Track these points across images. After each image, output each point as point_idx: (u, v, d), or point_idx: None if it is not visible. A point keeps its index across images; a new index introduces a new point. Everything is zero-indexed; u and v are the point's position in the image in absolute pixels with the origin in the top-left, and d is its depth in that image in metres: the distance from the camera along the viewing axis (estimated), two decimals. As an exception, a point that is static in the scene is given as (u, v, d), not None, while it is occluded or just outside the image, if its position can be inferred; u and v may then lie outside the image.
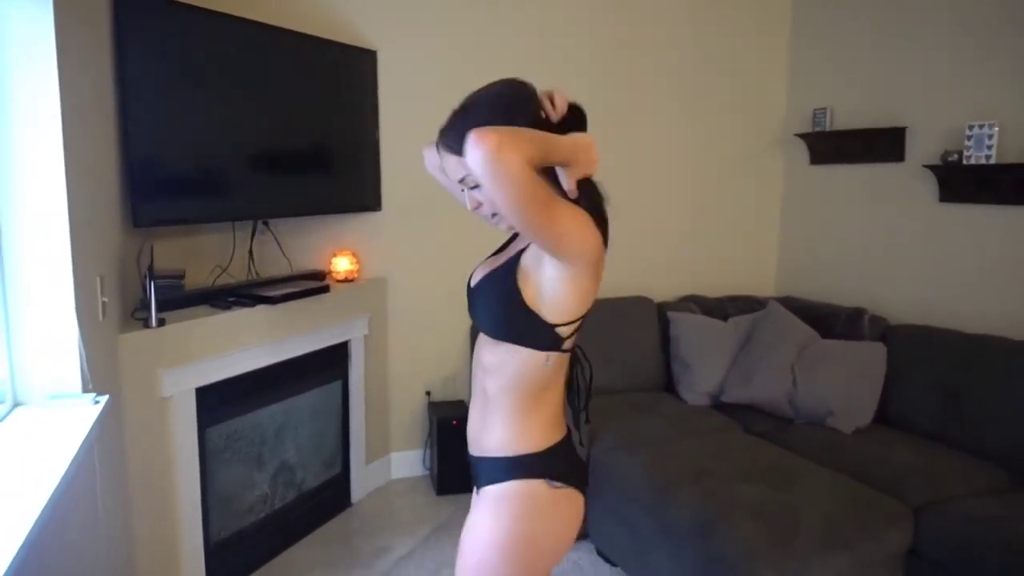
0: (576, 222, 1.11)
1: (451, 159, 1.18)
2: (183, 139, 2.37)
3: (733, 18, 3.68)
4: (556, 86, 1.20)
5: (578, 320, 1.21)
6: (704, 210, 3.78)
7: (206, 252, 2.77)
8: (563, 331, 1.19)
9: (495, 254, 1.38)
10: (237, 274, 2.81)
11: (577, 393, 1.34)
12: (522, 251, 1.22)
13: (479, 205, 1.19)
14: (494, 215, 1.19)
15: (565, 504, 1.26)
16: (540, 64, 3.28)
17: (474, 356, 1.32)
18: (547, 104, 1.18)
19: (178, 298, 2.43)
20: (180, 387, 2.24)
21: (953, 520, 2.21)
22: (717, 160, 3.71)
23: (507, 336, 1.22)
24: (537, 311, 1.17)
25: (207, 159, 2.48)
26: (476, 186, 1.17)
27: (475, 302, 1.30)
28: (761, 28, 3.75)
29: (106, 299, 1.78)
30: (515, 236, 1.34)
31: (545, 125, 1.14)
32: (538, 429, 1.26)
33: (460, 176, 1.18)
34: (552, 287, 1.15)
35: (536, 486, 1.24)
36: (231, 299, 2.53)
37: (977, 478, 2.43)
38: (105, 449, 1.81)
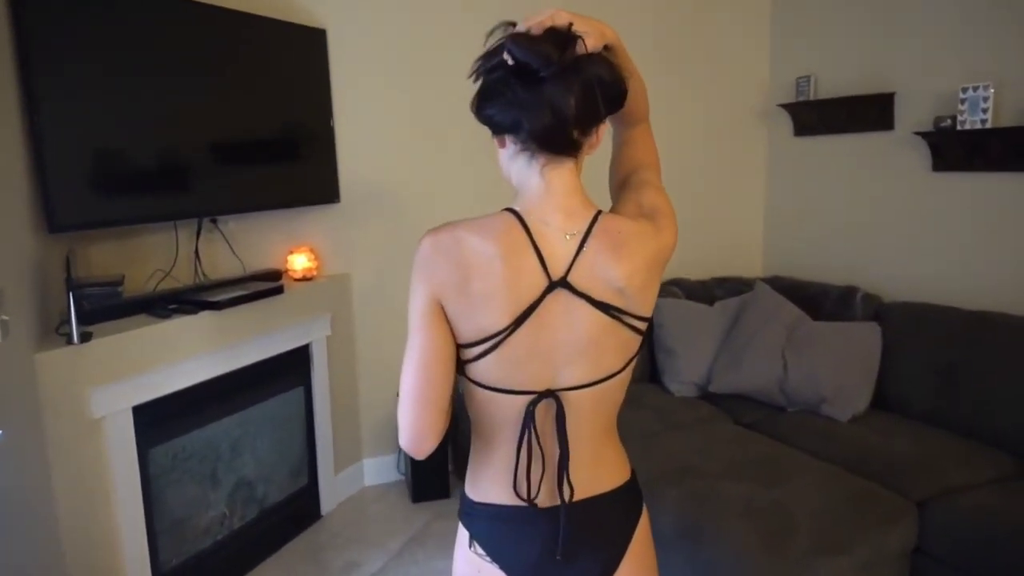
0: None
1: None
2: (109, 130, 2.14)
3: (708, -16, 3.48)
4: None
5: (480, 342, 0.95)
6: (684, 187, 3.55)
7: (147, 254, 2.55)
8: (464, 353, 0.98)
9: None
10: (183, 277, 2.60)
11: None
12: None
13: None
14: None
15: None
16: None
17: None
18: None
19: (114, 307, 2.22)
20: (113, 406, 2.03)
21: (959, 514, 2.05)
22: (697, 134, 3.51)
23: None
24: None
25: (140, 152, 2.26)
26: None
27: None
28: (738, -7, 3.54)
29: (6, 317, 1.57)
30: None
31: None
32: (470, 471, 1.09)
33: None
34: None
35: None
36: (172, 306, 2.32)
37: (981, 466, 2.27)
38: (15, 486, 1.61)
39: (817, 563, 1.89)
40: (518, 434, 0.98)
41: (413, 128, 3.09)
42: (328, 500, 3.02)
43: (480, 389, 0.99)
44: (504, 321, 0.92)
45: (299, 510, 2.89)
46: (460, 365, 0.99)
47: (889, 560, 2.01)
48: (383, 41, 3.01)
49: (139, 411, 2.13)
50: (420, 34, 3.04)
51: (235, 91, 2.56)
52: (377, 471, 3.29)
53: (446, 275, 0.92)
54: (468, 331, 0.94)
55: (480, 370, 0.97)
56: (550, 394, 0.98)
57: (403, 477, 3.27)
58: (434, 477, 3.06)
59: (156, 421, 2.20)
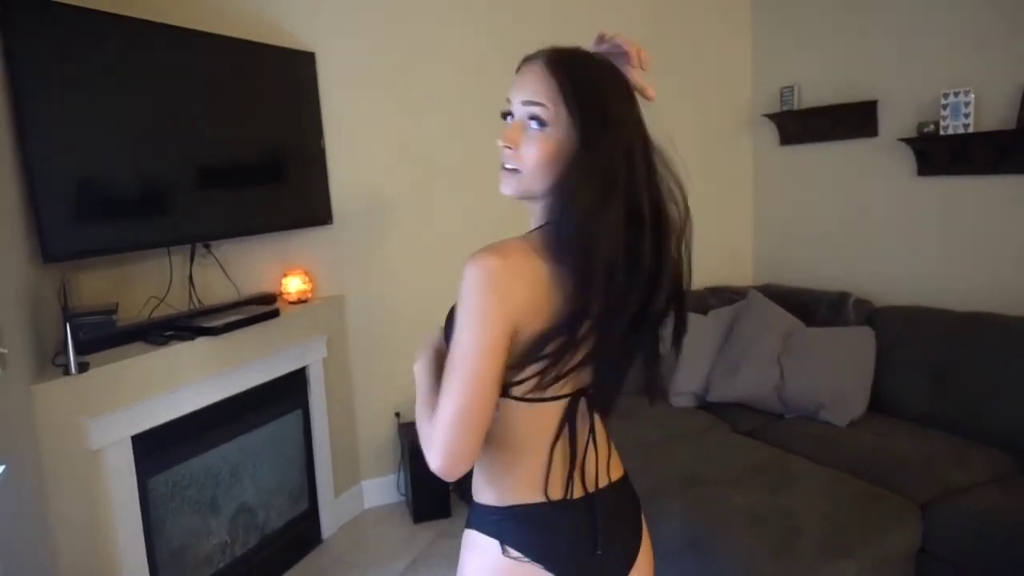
0: None
1: (530, 75, 0.97)
2: (100, 158, 2.14)
3: (690, -2, 3.53)
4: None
5: (544, 358, 0.94)
6: (674, 200, 3.62)
7: (141, 281, 2.54)
8: (517, 374, 0.96)
9: None
10: (177, 304, 2.59)
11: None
12: None
13: None
14: (511, 168, 1.00)
15: None
16: (491, 55, 3.10)
17: None
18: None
19: (109, 336, 2.20)
20: (112, 436, 2.01)
21: (962, 515, 2.06)
22: (684, 146, 3.48)
23: None
24: None
25: (130, 179, 2.25)
26: (543, 123, 0.95)
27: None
28: (722, 5, 3.59)
29: (4, 349, 1.56)
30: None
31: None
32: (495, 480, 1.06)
33: (526, 98, 0.97)
34: None
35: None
36: (168, 333, 2.30)
37: (980, 466, 2.29)
38: (12, 520, 1.59)
39: (825, 568, 1.89)
40: (553, 436, 1.00)
41: (404, 149, 3.10)
42: (329, 524, 2.99)
43: (523, 403, 0.98)
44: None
45: (300, 535, 2.86)
46: (506, 387, 0.96)
47: (895, 562, 2.01)
48: (373, 63, 3.03)
49: (138, 440, 2.10)
50: (410, 56, 3.06)
51: (225, 116, 2.56)
52: (377, 493, 3.27)
53: (522, 296, 0.91)
54: (532, 349, 0.93)
55: (531, 384, 0.96)
56: (583, 392, 1.01)
57: (404, 498, 3.24)
58: (435, 496, 3.04)
59: (155, 450, 2.18)
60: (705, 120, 3.61)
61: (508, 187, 1.00)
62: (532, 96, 0.95)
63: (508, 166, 0.98)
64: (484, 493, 1.06)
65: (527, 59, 0.99)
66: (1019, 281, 2.58)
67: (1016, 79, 2.49)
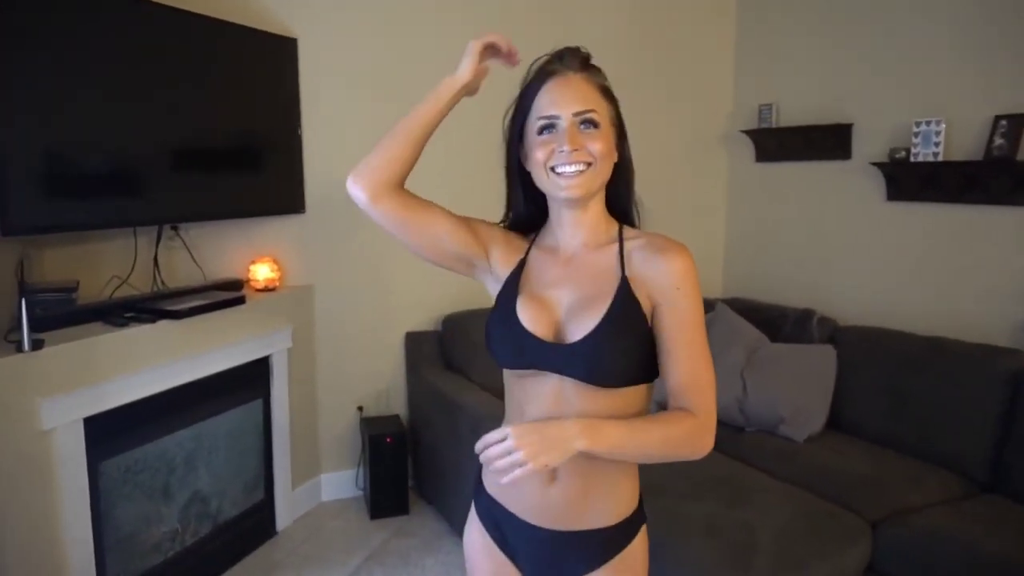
0: None
1: (583, 87, 1.08)
2: (68, 132, 2.08)
3: (678, 11, 3.55)
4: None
5: None
6: (647, 209, 3.64)
7: (104, 261, 2.47)
8: None
9: (515, 275, 1.16)
10: (141, 285, 2.53)
11: None
12: (621, 263, 1.10)
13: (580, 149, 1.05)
14: (584, 168, 1.06)
15: None
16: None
17: (567, 412, 1.07)
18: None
19: (67, 314, 2.15)
20: (64, 418, 1.96)
21: (911, 535, 2.10)
22: (662, 157, 3.56)
23: (646, 377, 1.10)
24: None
25: (99, 156, 2.19)
26: (596, 124, 1.07)
27: (586, 356, 1.05)
28: (706, 20, 3.63)
29: (-46, 322, 1.50)
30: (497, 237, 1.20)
31: None
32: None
33: (581, 108, 1.06)
34: None
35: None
36: (129, 314, 2.25)
37: (931, 486, 2.34)
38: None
39: (777, 581, 1.91)
40: None
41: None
42: (284, 516, 2.95)
43: None
44: None
45: (254, 526, 2.81)
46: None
47: (845, 577, 2.05)
48: (355, 53, 3.00)
49: (91, 423, 2.05)
50: (392, 47, 3.04)
51: (201, 98, 2.51)
52: (335, 487, 3.23)
53: None
54: None
55: None
56: None
57: (362, 493, 3.21)
58: (393, 493, 3.02)
59: (108, 433, 2.12)
60: (685, 133, 3.65)
61: (581, 187, 1.07)
62: (584, 105, 1.06)
63: (579, 167, 1.06)
64: (634, 497, 1.20)
65: (552, 75, 1.08)
66: (978, 309, 2.65)
67: (986, 112, 2.55)
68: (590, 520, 1.13)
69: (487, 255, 1.16)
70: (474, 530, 1.26)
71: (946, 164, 2.66)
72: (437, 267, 1.19)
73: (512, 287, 1.14)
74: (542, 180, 1.09)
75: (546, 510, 1.13)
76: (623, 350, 1.05)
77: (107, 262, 2.48)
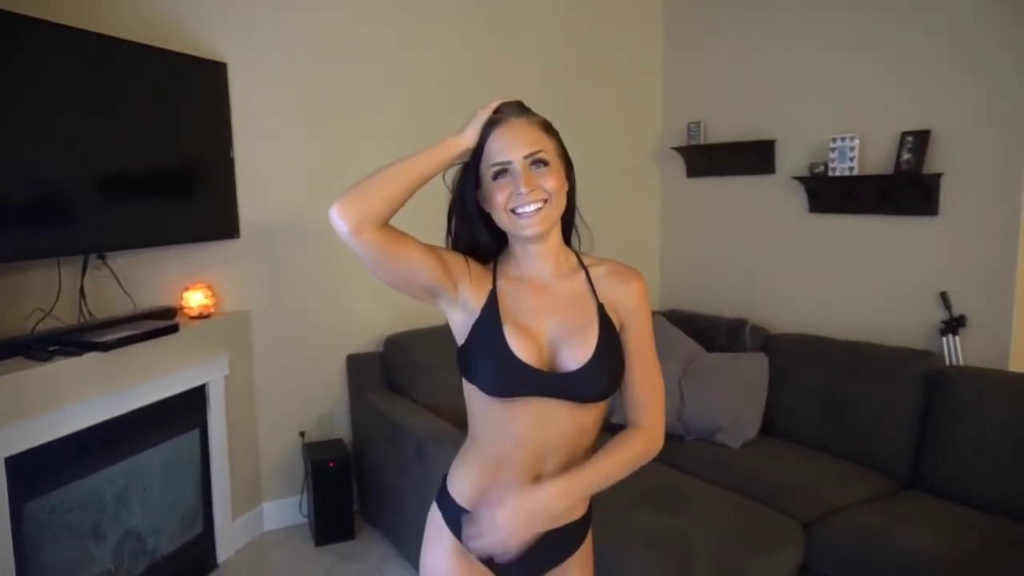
0: None
1: (528, 130, 1.16)
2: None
3: (607, 37, 3.66)
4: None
5: None
6: (581, 226, 3.71)
7: (25, 292, 2.38)
8: None
9: (490, 301, 1.19)
10: (66, 317, 2.44)
11: None
12: (592, 290, 1.21)
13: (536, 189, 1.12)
14: (541, 205, 1.13)
15: None
16: (402, 78, 3.11)
17: (550, 428, 1.17)
18: None
19: (-15, 350, 2.06)
20: (-17, 458, 1.88)
21: (839, 533, 2.20)
22: (596, 175, 3.62)
23: (619, 384, 1.22)
24: None
25: (21, 184, 2.12)
26: (546, 163, 1.14)
27: (588, 381, 1.16)
28: (634, 41, 3.74)
29: None
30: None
31: None
32: None
33: (529, 151, 1.13)
34: None
35: None
36: (53, 348, 2.17)
37: (859, 486, 2.45)
38: None
39: (715, 586, 1.97)
40: None
41: (314, 163, 3.04)
42: (225, 548, 2.87)
43: None
44: None
45: (193, 560, 2.73)
46: None
47: (780, 579, 2.12)
48: (286, 76, 2.98)
49: (12, 462, 1.96)
50: (323, 71, 3.03)
51: (129, 123, 2.46)
52: (278, 515, 3.17)
53: None
54: None
55: None
56: None
57: (306, 520, 3.16)
58: (338, 518, 2.97)
59: (32, 473, 2.04)
60: (618, 151, 3.74)
61: (542, 223, 1.14)
62: (532, 147, 1.14)
63: (536, 205, 1.13)
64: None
65: (497, 123, 1.15)
66: (895, 314, 2.79)
67: (894, 128, 2.71)
68: (569, 515, 1.22)
69: (456, 287, 1.17)
70: (443, 545, 1.23)
71: (861, 178, 2.81)
72: (379, 288, 1.21)
73: (492, 318, 1.16)
74: (503, 221, 1.15)
75: None
76: (615, 371, 1.19)
77: (29, 294, 2.39)
